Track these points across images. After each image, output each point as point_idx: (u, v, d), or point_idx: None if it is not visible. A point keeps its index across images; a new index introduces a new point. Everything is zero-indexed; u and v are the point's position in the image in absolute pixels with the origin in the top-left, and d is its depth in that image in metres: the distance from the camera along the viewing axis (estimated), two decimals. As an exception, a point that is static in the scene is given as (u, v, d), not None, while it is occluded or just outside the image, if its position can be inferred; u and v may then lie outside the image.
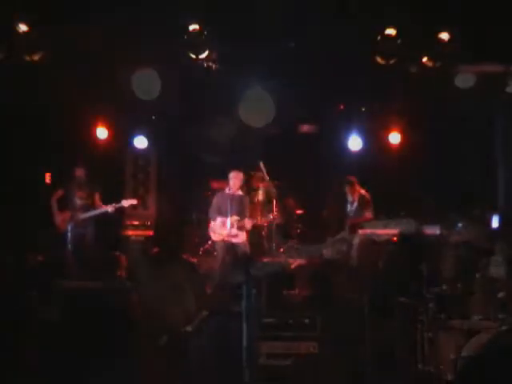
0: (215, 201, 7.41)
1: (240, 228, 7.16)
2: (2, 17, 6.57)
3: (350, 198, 8.21)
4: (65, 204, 7.63)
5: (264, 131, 9.81)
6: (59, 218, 7.56)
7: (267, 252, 9.00)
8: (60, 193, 7.64)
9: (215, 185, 8.86)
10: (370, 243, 7.54)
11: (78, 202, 7.61)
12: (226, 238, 7.15)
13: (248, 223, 7.25)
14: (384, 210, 8.38)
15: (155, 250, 6.22)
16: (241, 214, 7.18)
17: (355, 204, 8.14)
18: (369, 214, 7.93)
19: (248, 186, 9.39)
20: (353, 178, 8.17)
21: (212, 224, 7.33)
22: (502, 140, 8.51)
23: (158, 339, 4.17)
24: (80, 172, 7.71)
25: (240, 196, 7.27)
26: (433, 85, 7.68)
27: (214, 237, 7.29)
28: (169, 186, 9.95)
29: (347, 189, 8.16)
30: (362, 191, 8.12)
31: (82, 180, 7.71)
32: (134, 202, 7.80)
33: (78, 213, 7.55)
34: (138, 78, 7.51)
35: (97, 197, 7.71)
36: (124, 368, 3.46)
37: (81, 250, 7.42)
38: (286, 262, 8.45)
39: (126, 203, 7.65)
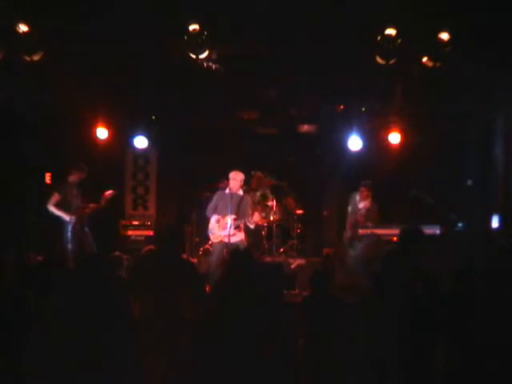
0: (214, 199, 7.42)
1: (238, 228, 7.13)
2: (1, 17, 6.56)
3: (360, 204, 8.26)
4: (61, 206, 7.63)
5: (264, 131, 9.85)
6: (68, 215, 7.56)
7: (267, 252, 9.02)
8: (57, 197, 7.63)
9: (222, 185, 8.82)
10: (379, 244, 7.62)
11: (74, 201, 7.68)
12: (223, 239, 7.13)
13: (252, 221, 7.21)
14: (384, 211, 8.41)
15: (149, 247, 6.16)
16: (240, 214, 7.15)
17: (363, 211, 8.19)
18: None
19: (248, 186, 9.43)
20: (367, 185, 8.20)
21: (210, 225, 7.32)
22: (502, 140, 8.51)
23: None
24: (76, 176, 7.74)
25: (240, 196, 7.23)
26: (433, 85, 7.68)
27: (213, 238, 7.29)
28: (169, 185, 9.96)
29: (360, 194, 8.22)
30: (372, 202, 8.19)
31: (77, 181, 7.78)
32: (111, 192, 7.82)
33: (77, 212, 7.60)
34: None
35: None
36: (124, 369, 3.46)
37: (81, 250, 7.43)
38: (285, 261, 8.47)
39: (107, 194, 7.72)
